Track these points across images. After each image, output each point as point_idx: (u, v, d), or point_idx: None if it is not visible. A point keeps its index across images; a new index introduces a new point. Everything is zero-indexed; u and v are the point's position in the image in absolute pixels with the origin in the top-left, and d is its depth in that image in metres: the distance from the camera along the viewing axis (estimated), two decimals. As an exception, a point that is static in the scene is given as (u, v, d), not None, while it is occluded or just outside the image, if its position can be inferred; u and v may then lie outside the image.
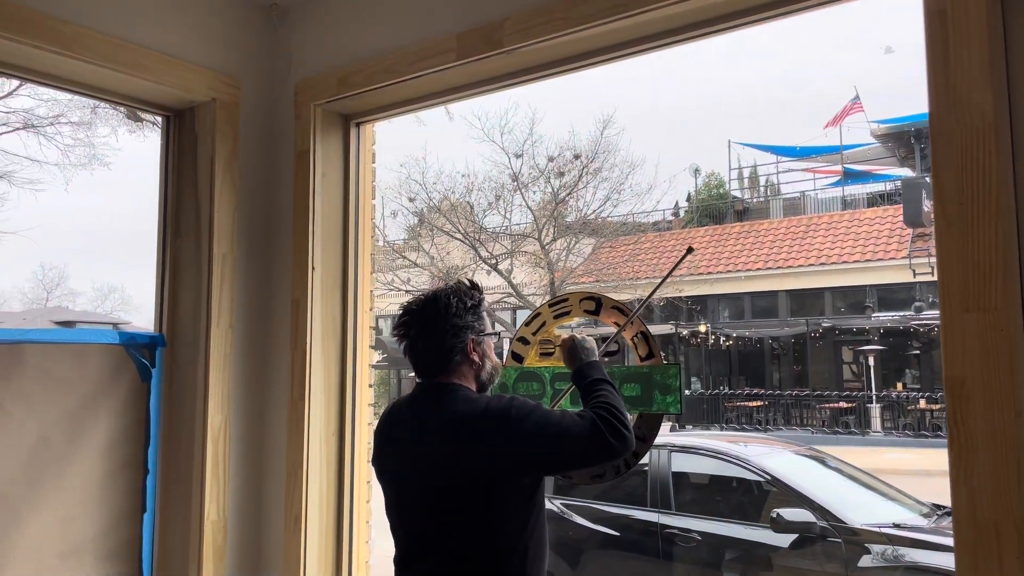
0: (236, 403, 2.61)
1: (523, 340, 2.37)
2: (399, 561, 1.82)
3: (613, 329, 2.19)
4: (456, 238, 19.36)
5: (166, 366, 2.63)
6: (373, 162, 2.91)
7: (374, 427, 2.05)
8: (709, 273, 22.04)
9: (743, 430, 19.10)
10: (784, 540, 4.58)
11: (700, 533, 4.84)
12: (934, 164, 1.60)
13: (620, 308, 2.20)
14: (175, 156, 2.70)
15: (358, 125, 2.79)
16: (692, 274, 21.63)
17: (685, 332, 21.86)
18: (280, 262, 2.71)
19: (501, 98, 19.28)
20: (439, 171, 20.84)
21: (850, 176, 26.74)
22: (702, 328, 21.53)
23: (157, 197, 2.71)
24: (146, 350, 2.60)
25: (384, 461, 1.93)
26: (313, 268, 2.63)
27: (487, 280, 19.76)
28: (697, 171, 27.47)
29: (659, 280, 2.39)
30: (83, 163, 13.04)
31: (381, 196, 22.39)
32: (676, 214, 27.22)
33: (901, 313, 19.87)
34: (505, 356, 2.41)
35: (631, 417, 1.98)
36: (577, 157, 18.54)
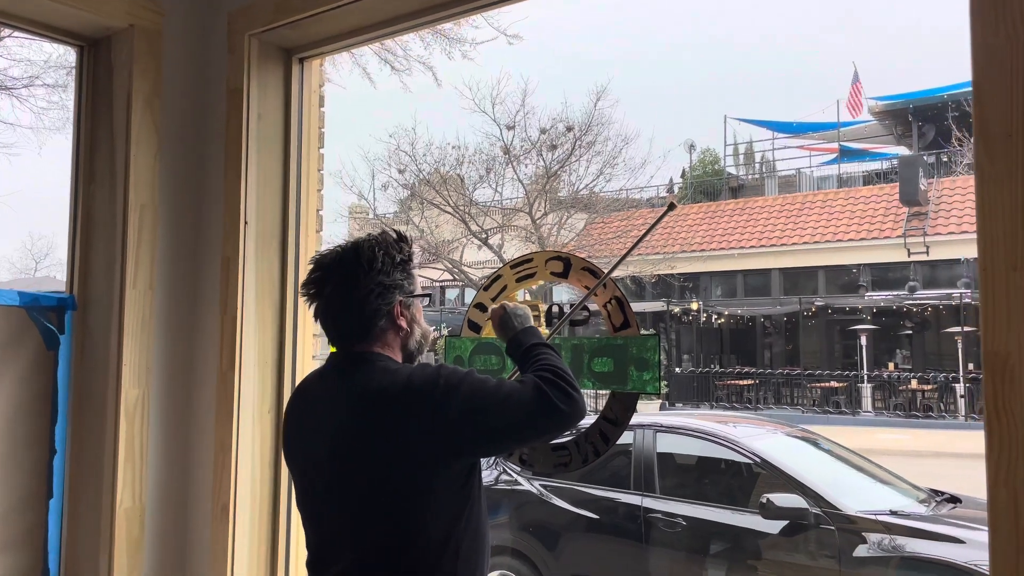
0: (157, 375, 2.29)
1: (481, 307, 2.05)
2: (311, 564, 1.52)
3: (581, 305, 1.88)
4: (446, 211, 19.00)
5: (77, 332, 2.31)
6: (322, 106, 2.57)
7: None
8: (703, 250, 21.76)
9: (733, 408, 18.92)
10: (774, 527, 4.31)
11: (685, 518, 4.57)
12: (975, 85, 1.28)
13: (592, 270, 1.89)
14: (89, 92, 2.36)
15: (301, 61, 2.45)
16: (685, 251, 21.35)
17: (677, 309, 21.61)
18: (210, 215, 2.39)
19: (493, 68, 18.83)
20: (429, 142, 20.42)
21: (846, 154, 26.41)
22: (694, 306, 21.28)
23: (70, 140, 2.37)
24: (53, 314, 2.27)
25: (292, 446, 1.62)
26: (246, 223, 2.30)
27: (477, 255, 19.44)
28: (692, 147, 27.12)
29: (639, 245, 2.09)
30: (58, 127, 12.60)
31: (372, 169, 21.92)
32: (670, 190, 26.87)
33: (895, 292, 19.65)
34: (462, 326, 2.10)
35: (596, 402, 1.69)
36: (570, 129, 18.16)
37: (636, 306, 20.22)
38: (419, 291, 1.62)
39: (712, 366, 21.49)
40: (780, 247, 21.63)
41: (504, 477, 5.19)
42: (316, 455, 1.53)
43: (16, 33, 2.37)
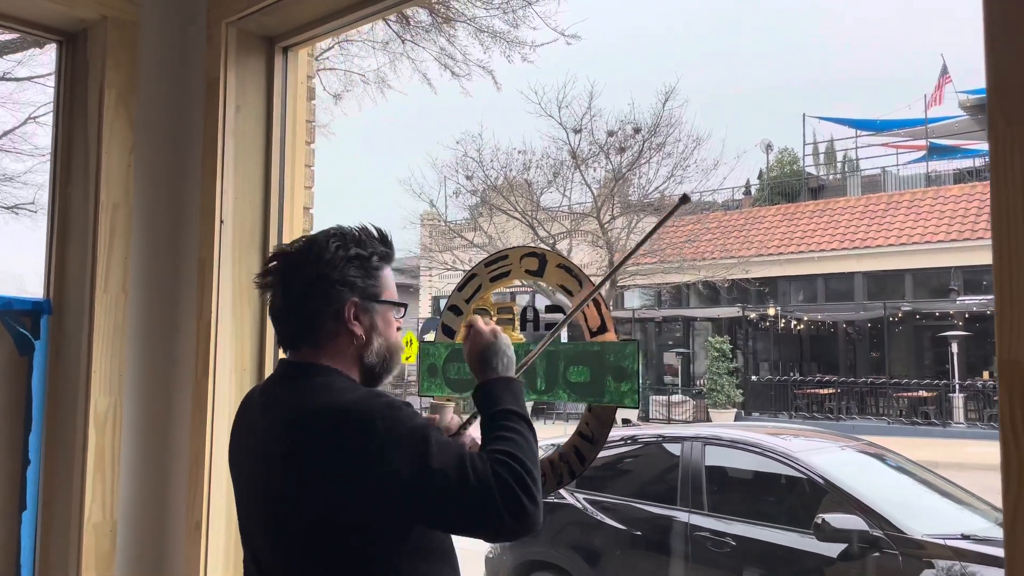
0: (130, 383, 2.18)
1: (455, 310, 1.86)
2: None
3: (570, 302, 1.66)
4: (514, 217, 18.88)
5: (53, 338, 2.22)
6: (311, 99, 2.44)
7: None
8: (780, 254, 21.02)
9: (813, 418, 18.18)
10: (831, 550, 3.97)
11: (735, 537, 4.26)
12: (987, 27, 1.03)
13: (568, 268, 1.67)
14: (67, 89, 2.28)
15: (285, 51, 2.31)
16: (760, 255, 20.66)
17: (753, 315, 20.92)
18: (188, 214, 2.27)
19: (558, 72, 18.63)
20: (495, 147, 20.31)
21: (935, 151, 25.13)
22: (771, 311, 20.55)
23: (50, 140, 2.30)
24: (27, 319, 2.19)
25: (231, 466, 1.47)
26: (222, 221, 2.18)
27: (546, 260, 19.16)
28: (769, 147, 26.24)
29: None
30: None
31: (441, 176, 21.99)
32: (747, 192, 26.10)
33: (989, 297, 18.54)
34: (436, 331, 1.91)
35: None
36: (638, 131, 17.79)
37: (710, 312, 19.62)
38: (386, 297, 1.41)
39: (791, 374, 20.71)
40: (863, 249, 20.71)
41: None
42: (247, 477, 1.37)
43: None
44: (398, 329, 1.44)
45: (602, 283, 1.62)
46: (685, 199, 1.75)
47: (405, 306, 1.46)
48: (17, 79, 10.16)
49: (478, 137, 21.16)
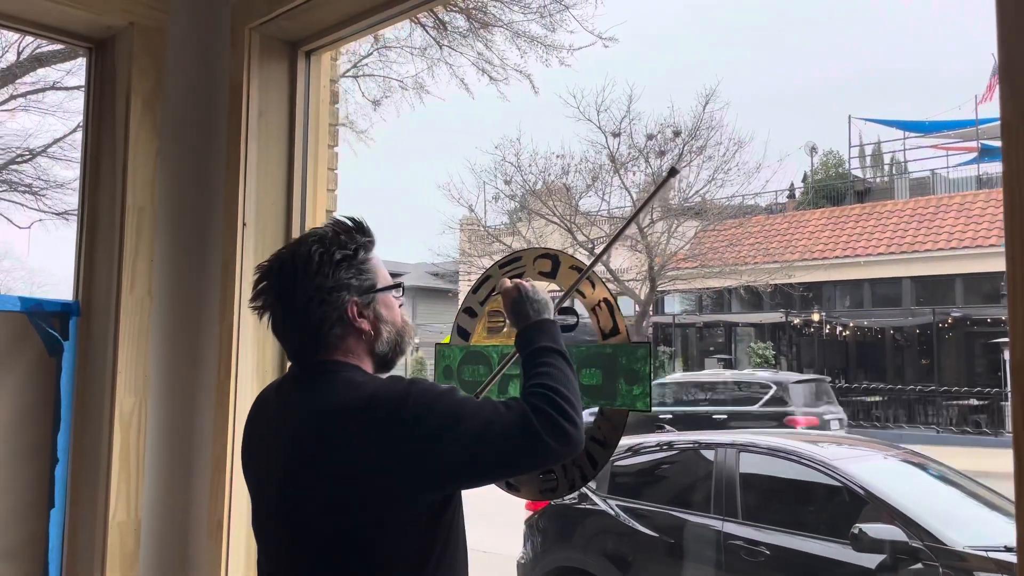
0: (156, 384, 2.21)
1: (470, 311, 1.85)
2: None
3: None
4: (553, 222, 18.86)
5: (81, 339, 2.26)
6: (335, 102, 2.46)
7: None
8: (824, 258, 20.66)
9: (859, 426, 17.81)
10: (870, 561, 3.86)
11: (769, 546, 4.18)
12: (1000, 26, 0.99)
13: (580, 268, 1.65)
14: (96, 95, 2.32)
15: (308, 55, 2.33)
16: (804, 259, 20.32)
17: (797, 321, 20.57)
18: (213, 218, 2.30)
19: (596, 75, 18.59)
20: (533, 152, 20.24)
21: (987, 153, 24.45)
22: (815, 317, 20.19)
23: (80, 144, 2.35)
24: (56, 320, 2.23)
25: (247, 461, 1.48)
26: (244, 224, 2.20)
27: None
28: (813, 149, 25.83)
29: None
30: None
31: (480, 181, 22.09)
32: (791, 195, 25.69)
33: (1043, 302, 17.94)
34: (452, 332, 1.91)
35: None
36: (678, 135, 17.65)
37: (752, 317, 19.33)
38: (382, 283, 1.41)
39: (837, 381, 20.31)
40: (912, 254, 20.24)
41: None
42: (267, 476, 1.38)
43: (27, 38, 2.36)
44: (400, 306, 1.46)
45: (594, 263, 1.66)
46: (673, 172, 1.82)
47: (401, 284, 1.47)
48: (67, 88, 10.46)
49: (516, 142, 21.15)
